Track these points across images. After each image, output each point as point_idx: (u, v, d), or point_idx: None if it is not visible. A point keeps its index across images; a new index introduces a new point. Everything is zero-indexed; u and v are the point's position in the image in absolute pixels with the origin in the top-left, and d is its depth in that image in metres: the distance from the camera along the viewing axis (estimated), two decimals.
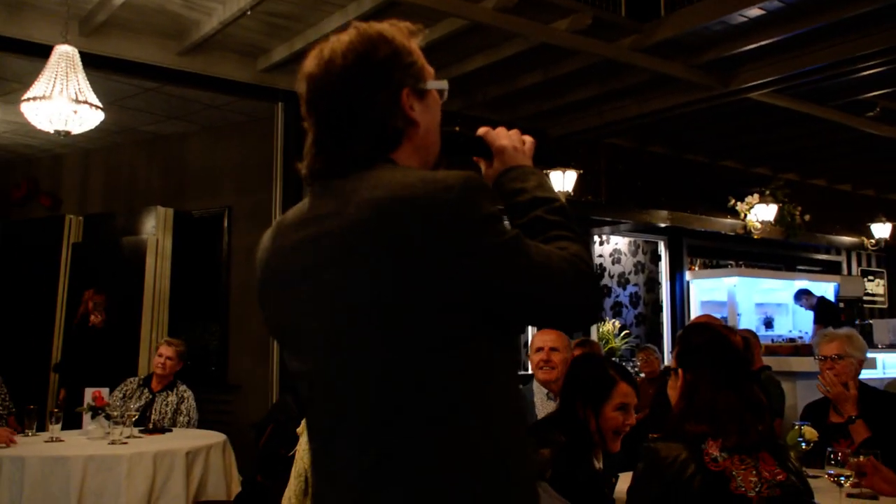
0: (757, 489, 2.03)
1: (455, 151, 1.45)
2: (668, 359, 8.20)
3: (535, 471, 1.28)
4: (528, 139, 1.49)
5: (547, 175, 7.03)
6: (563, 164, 6.22)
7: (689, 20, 5.36)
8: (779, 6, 5.19)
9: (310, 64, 1.35)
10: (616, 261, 9.86)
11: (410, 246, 1.16)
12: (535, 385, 3.89)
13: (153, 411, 4.88)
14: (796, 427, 3.22)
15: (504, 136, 1.47)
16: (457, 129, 1.45)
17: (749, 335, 4.99)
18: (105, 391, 4.71)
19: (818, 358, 3.58)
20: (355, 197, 1.22)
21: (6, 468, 3.71)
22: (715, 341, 2.30)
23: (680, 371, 2.29)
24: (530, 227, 1.32)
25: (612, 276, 9.73)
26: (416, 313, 1.17)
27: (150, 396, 4.96)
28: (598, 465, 2.62)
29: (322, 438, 1.30)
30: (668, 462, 2.08)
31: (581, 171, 7.09)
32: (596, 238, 9.12)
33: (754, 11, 5.23)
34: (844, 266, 11.71)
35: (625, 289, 9.82)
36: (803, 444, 3.16)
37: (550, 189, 1.42)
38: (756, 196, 9.18)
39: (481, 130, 1.48)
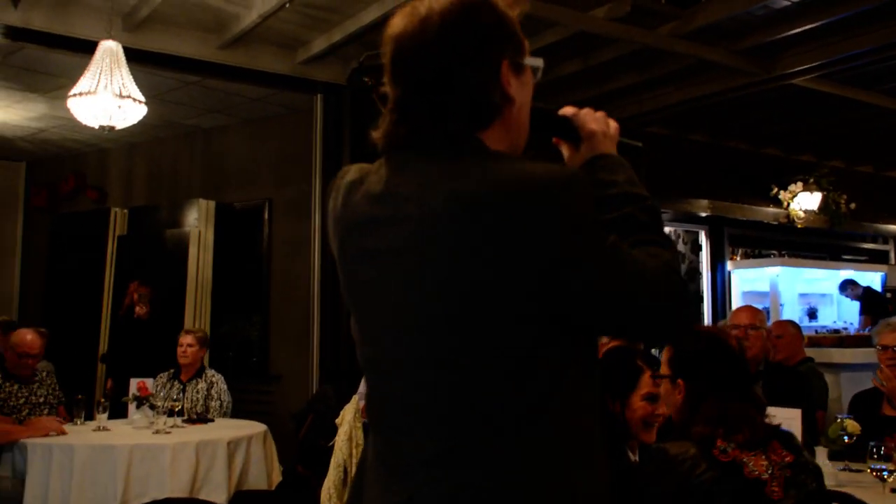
0: (769, 471, 2.04)
1: (539, 131, 1.34)
2: None
3: (608, 483, 1.24)
4: (614, 124, 1.41)
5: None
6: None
7: (731, 5, 5.27)
8: None
9: (401, 22, 1.22)
10: None
11: (497, 245, 1.09)
12: None
13: (186, 400, 4.98)
14: (838, 420, 3.17)
15: (593, 120, 1.38)
16: (540, 106, 1.33)
17: (790, 326, 4.92)
18: (149, 381, 4.82)
19: (878, 347, 3.50)
20: (441, 184, 1.13)
21: (56, 456, 3.82)
22: (714, 348, 2.25)
23: (680, 381, 2.24)
24: (620, 224, 1.25)
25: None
26: (494, 315, 1.12)
27: (181, 387, 5.06)
28: (634, 457, 2.61)
29: (382, 426, 1.27)
30: (678, 459, 2.07)
31: None
32: None
33: None
34: (892, 255, 11.44)
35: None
36: (845, 437, 3.11)
37: (640, 184, 1.34)
38: (799, 184, 9.01)
39: (568, 111, 1.39)
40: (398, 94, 1.23)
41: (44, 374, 4.89)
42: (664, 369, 2.32)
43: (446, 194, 1.13)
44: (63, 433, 4.10)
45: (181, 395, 4.97)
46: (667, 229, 9.48)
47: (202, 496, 4.00)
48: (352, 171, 1.30)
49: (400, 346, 1.20)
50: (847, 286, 9.16)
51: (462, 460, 1.14)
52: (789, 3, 5.27)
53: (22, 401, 4.62)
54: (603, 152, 1.36)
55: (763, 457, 2.07)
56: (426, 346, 1.16)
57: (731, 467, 2.04)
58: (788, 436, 2.21)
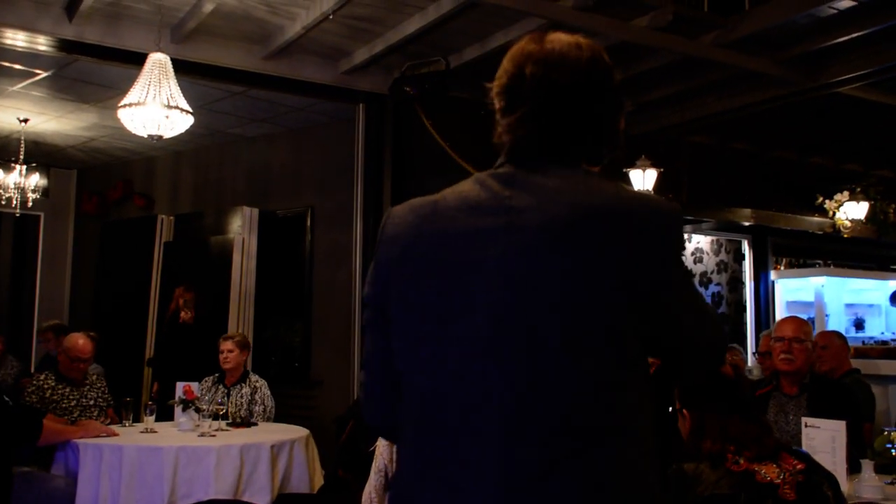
0: (781, 476, 2.15)
1: None
2: (751, 360, 8.01)
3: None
4: None
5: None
6: None
7: (775, 13, 5.22)
8: None
9: (563, 47, 1.30)
10: (698, 260, 9.68)
11: (612, 256, 1.18)
12: None
13: (230, 404, 5.06)
14: (885, 433, 3.13)
15: None
16: None
17: (835, 337, 4.85)
18: (195, 385, 4.91)
19: None
20: (562, 197, 1.22)
21: (106, 456, 3.93)
22: (710, 378, 2.44)
23: (685, 412, 2.42)
24: None
25: (693, 276, 9.56)
26: (599, 320, 1.19)
27: (226, 391, 5.14)
28: None
29: (446, 442, 1.24)
30: (695, 474, 2.21)
31: (662, 170, 6.98)
32: None
33: (845, 3, 5.05)
34: None
35: (707, 288, 9.62)
36: (893, 450, 3.06)
37: None
38: (846, 193, 8.85)
39: None
40: (535, 109, 1.28)
41: (94, 377, 5.02)
42: (677, 404, 2.50)
43: (571, 205, 1.21)
44: (114, 435, 4.21)
45: (226, 399, 5.06)
46: (709, 238, 9.41)
47: (246, 498, 4.07)
48: (410, 203, 1.35)
49: (497, 352, 1.20)
50: None
51: (554, 480, 1.16)
52: (835, 11, 5.20)
53: (73, 402, 4.75)
54: None
55: (774, 465, 2.19)
56: (531, 349, 1.19)
57: (744, 476, 2.16)
58: (799, 451, 2.34)
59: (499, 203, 1.25)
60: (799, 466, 2.19)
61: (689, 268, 9.43)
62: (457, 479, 1.22)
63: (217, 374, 5.27)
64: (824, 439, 3.04)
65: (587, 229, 1.19)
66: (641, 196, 1.25)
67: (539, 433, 1.18)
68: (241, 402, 5.11)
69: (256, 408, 5.11)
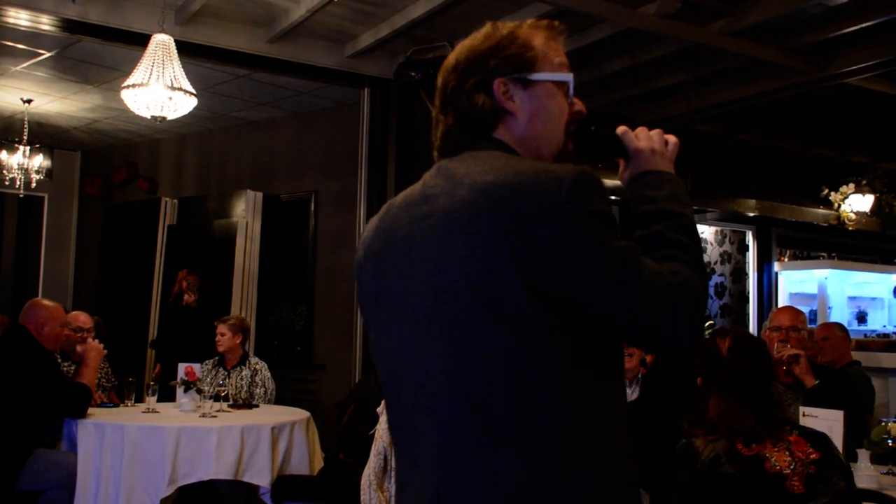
0: (791, 466, 2.11)
1: (591, 150, 1.44)
2: None
3: (637, 479, 1.27)
4: (672, 140, 1.44)
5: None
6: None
7: (784, 2, 5.18)
8: None
9: (453, 53, 1.42)
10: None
11: (511, 232, 1.15)
12: None
13: (230, 386, 5.08)
14: (882, 423, 3.13)
15: (643, 138, 1.41)
16: (592, 128, 1.41)
17: (837, 329, 4.86)
18: (197, 367, 4.94)
19: None
20: (466, 179, 1.23)
21: (108, 435, 3.96)
22: (706, 352, 2.42)
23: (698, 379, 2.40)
24: (649, 241, 1.28)
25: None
26: (505, 298, 1.15)
27: (226, 373, 5.16)
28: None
29: (402, 419, 1.32)
30: (702, 451, 2.18)
31: None
32: None
33: None
34: None
35: (710, 279, 9.63)
36: (889, 440, 3.07)
37: (683, 201, 1.37)
38: (851, 185, 8.83)
39: (620, 130, 1.43)
40: (439, 107, 1.40)
41: None
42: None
43: (471, 186, 1.22)
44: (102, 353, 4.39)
45: (226, 381, 5.08)
46: (713, 228, 9.38)
47: (246, 479, 4.09)
48: (386, 203, 1.43)
49: (422, 333, 1.25)
50: None
51: (477, 460, 1.17)
52: (844, 0, 5.17)
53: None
54: (650, 169, 1.39)
55: (787, 453, 2.14)
56: (445, 331, 1.21)
57: (753, 461, 2.13)
58: (817, 435, 2.27)
59: (424, 193, 1.31)
60: (813, 456, 2.15)
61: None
62: (414, 454, 1.28)
63: (217, 357, 5.29)
64: (821, 429, 3.04)
65: (481, 208, 1.18)
66: (539, 167, 1.20)
67: (441, 420, 1.21)
68: (242, 385, 5.13)
69: (257, 390, 5.13)
